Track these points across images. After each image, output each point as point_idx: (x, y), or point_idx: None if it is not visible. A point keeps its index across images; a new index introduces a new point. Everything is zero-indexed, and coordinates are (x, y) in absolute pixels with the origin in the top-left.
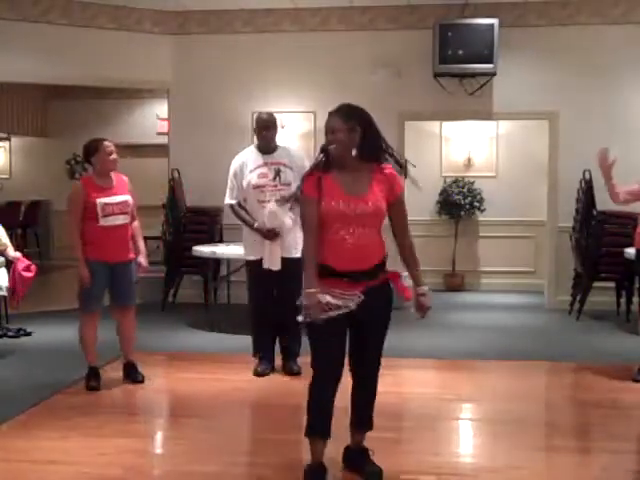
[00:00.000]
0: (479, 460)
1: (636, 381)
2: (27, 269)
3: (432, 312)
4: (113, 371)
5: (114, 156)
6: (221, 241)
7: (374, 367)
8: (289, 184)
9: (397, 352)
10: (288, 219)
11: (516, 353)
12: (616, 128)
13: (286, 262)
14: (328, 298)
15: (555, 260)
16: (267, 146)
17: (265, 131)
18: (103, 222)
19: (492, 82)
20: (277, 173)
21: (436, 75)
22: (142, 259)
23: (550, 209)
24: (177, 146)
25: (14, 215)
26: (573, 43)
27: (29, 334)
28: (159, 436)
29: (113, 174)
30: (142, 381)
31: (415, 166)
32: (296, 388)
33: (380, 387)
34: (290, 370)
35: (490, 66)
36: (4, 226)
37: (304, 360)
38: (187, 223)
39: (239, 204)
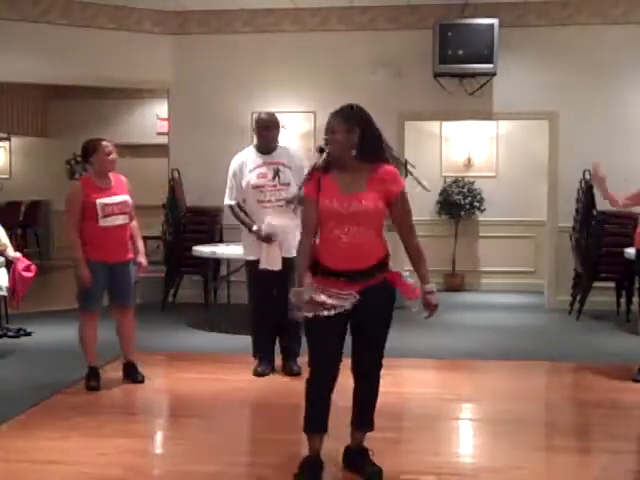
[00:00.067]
0: (479, 460)
1: (636, 381)
2: (27, 269)
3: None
4: (113, 371)
5: (113, 156)
6: (221, 241)
7: (375, 367)
8: (288, 184)
9: (397, 352)
10: (289, 222)
11: (516, 353)
12: (616, 128)
13: (286, 262)
14: (323, 297)
15: (555, 260)
16: (266, 146)
17: (265, 131)
18: (103, 222)
19: (492, 82)
20: (276, 173)
21: (436, 75)
22: (142, 259)
23: (550, 209)
24: (177, 146)
25: (14, 215)
26: (573, 43)
27: (29, 334)
28: (159, 436)
29: (111, 174)
30: (142, 381)
31: (415, 167)
32: (296, 388)
33: (380, 387)
34: (290, 370)
35: (490, 66)
36: (4, 226)
37: (304, 360)
38: (187, 223)
39: (238, 205)
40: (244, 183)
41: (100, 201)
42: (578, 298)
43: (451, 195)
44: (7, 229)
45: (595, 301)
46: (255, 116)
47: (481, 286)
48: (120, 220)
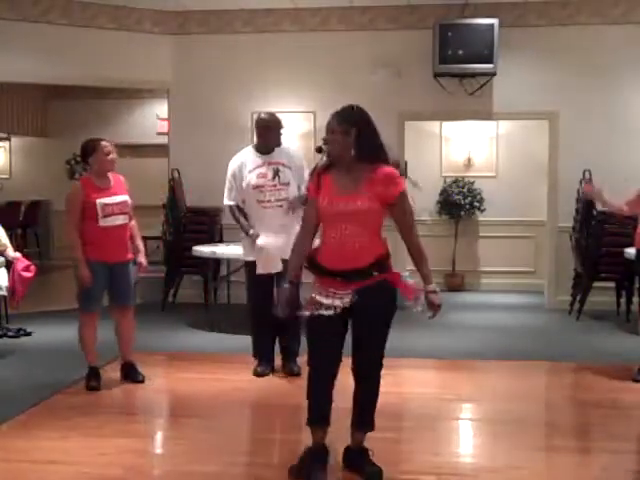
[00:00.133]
0: (479, 460)
1: (636, 381)
2: (26, 269)
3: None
4: (113, 371)
5: (112, 156)
6: (221, 241)
7: (374, 367)
8: (288, 184)
9: (397, 352)
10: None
11: (516, 353)
12: (616, 128)
13: (286, 263)
14: (320, 298)
15: (555, 260)
16: (266, 146)
17: (265, 131)
18: (103, 222)
19: (492, 82)
20: (276, 173)
21: (436, 75)
22: (142, 258)
23: (550, 209)
24: (177, 146)
25: (14, 215)
26: (573, 43)
27: (29, 334)
28: (159, 436)
29: (110, 174)
30: (143, 381)
31: (421, 187)
32: (296, 388)
33: (380, 387)
34: (290, 370)
35: (490, 66)
36: (4, 226)
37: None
38: (187, 223)
39: (238, 206)
40: (244, 184)
41: (100, 201)
42: (578, 298)
43: (451, 195)
44: (7, 229)
45: (595, 301)
46: (255, 116)
47: (481, 286)
48: (120, 220)
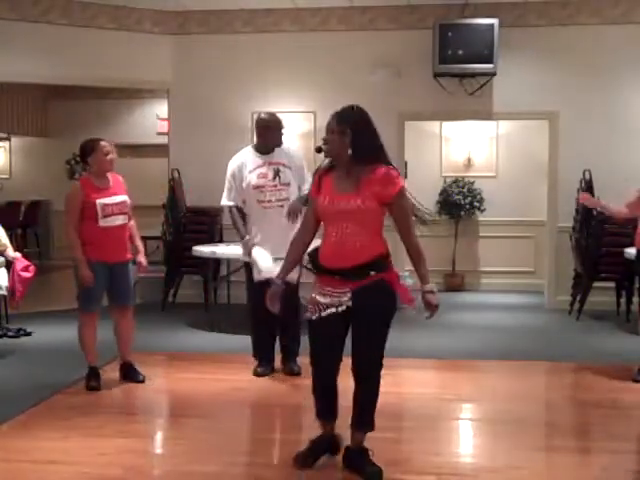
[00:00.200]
0: (479, 460)
1: (636, 381)
2: (26, 269)
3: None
4: (113, 371)
5: (111, 156)
6: (221, 241)
7: (373, 367)
8: (288, 184)
9: (397, 352)
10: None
11: (516, 353)
12: (616, 128)
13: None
14: (318, 297)
15: (555, 260)
16: (265, 146)
17: (265, 131)
18: (103, 222)
19: (492, 82)
20: (276, 173)
21: (436, 75)
22: (141, 258)
23: (550, 209)
24: (177, 146)
25: (14, 215)
26: (573, 43)
27: (29, 334)
28: (159, 436)
29: (109, 174)
30: (143, 381)
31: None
32: (296, 388)
33: (380, 387)
34: (290, 370)
35: (490, 66)
36: (4, 226)
37: (304, 360)
38: (187, 223)
39: (237, 207)
40: (244, 184)
41: (100, 201)
42: (578, 298)
43: (451, 195)
44: (7, 229)
45: (595, 301)
46: (255, 116)
47: (481, 286)
48: (120, 220)
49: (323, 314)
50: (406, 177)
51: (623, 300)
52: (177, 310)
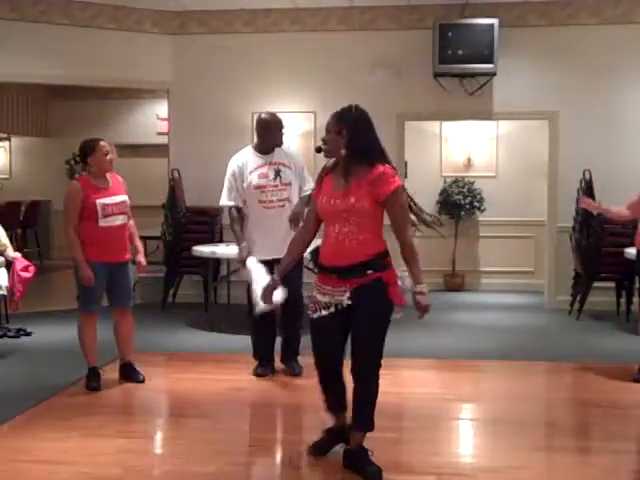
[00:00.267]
0: (479, 460)
1: (636, 381)
2: (25, 269)
3: (432, 312)
4: (113, 371)
5: (111, 156)
6: (221, 241)
7: (372, 367)
8: (289, 183)
9: (397, 352)
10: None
11: (516, 353)
12: (616, 128)
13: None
14: (318, 297)
15: (555, 260)
16: (266, 146)
17: (264, 131)
18: (103, 223)
19: (492, 82)
20: (277, 173)
21: (436, 75)
22: (141, 258)
23: (550, 209)
24: (177, 146)
25: (14, 215)
26: (573, 43)
27: (29, 334)
28: (159, 436)
29: (109, 174)
30: (143, 381)
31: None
32: (296, 388)
33: (380, 387)
34: (291, 370)
35: (490, 66)
36: (4, 226)
37: (304, 360)
38: (187, 223)
39: (237, 208)
40: (245, 184)
41: (100, 201)
42: (578, 298)
43: (451, 195)
44: (7, 229)
45: (595, 301)
46: (255, 116)
47: (481, 286)
48: (119, 220)
49: (323, 313)
50: (406, 177)
51: (623, 300)
52: (177, 310)
